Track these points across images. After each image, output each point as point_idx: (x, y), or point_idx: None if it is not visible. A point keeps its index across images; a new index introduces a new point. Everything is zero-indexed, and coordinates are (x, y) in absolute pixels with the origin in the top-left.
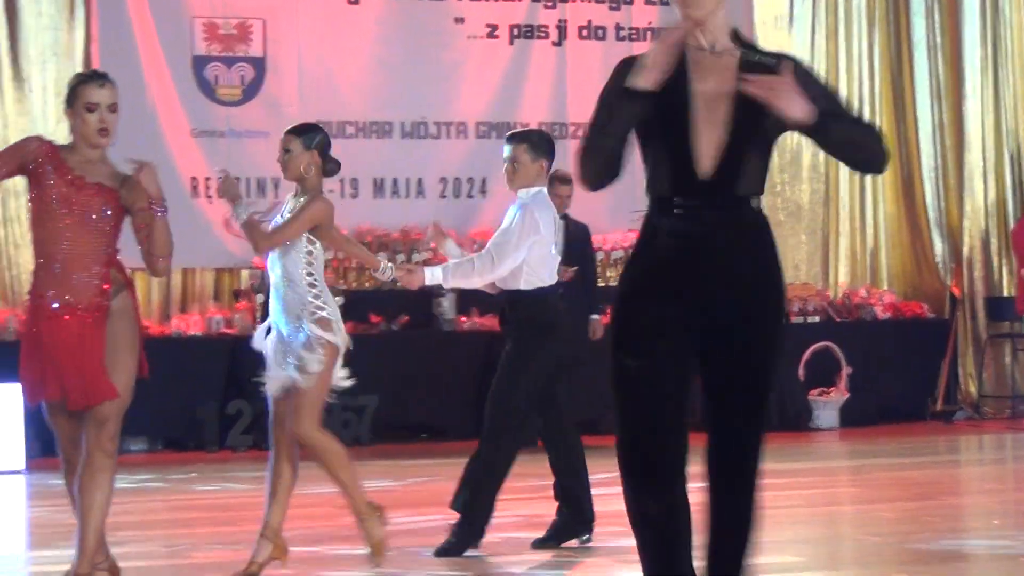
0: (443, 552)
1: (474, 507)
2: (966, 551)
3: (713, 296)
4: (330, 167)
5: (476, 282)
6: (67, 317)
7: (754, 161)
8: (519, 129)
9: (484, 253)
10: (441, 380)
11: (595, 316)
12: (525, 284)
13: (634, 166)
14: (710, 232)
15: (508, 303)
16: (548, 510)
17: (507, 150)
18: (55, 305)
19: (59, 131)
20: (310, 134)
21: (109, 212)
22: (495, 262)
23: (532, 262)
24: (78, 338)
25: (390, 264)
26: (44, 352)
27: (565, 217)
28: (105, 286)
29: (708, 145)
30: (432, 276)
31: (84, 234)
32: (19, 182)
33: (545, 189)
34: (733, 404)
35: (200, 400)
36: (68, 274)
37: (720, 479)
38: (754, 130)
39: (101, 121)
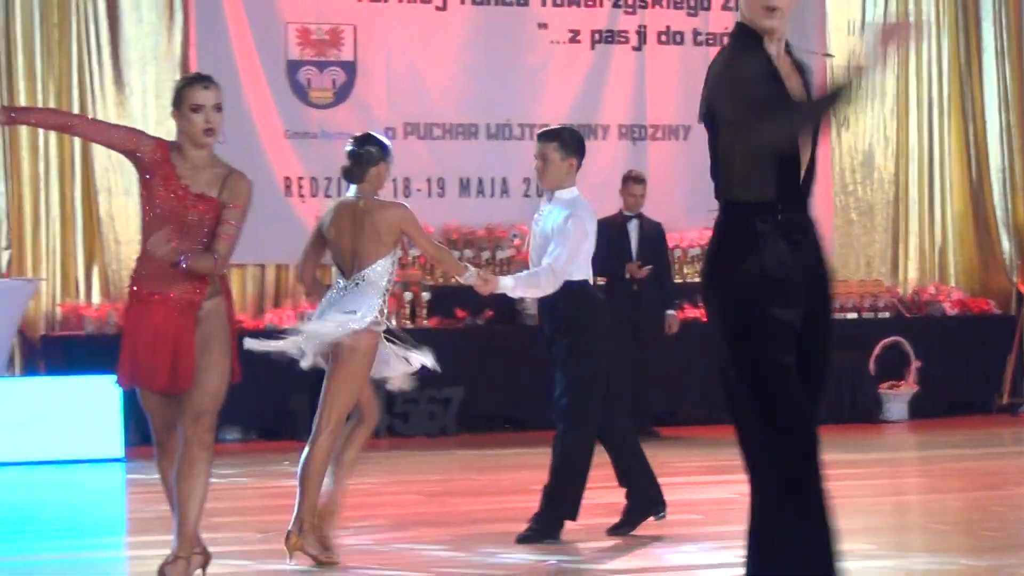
0: (525, 539)
1: (556, 496)
2: None
3: (810, 293)
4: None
5: (539, 293)
6: (157, 305)
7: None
8: (551, 127)
9: (548, 270)
10: (524, 373)
11: (671, 312)
12: (575, 276)
13: (704, 167)
14: (807, 234)
15: (560, 295)
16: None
17: (537, 147)
18: (148, 293)
19: (158, 132)
20: None
21: (208, 220)
22: (558, 277)
23: (580, 260)
24: (164, 323)
25: (475, 271)
26: (132, 334)
27: (639, 216)
28: (200, 285)
29: (804, 150)
30: (503, 285)
31: (185, 239)
32: (120, 183)
33: (576, 188)
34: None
35: (293, 391)
36: (166, 272)
37: None
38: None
39: (207, 121)
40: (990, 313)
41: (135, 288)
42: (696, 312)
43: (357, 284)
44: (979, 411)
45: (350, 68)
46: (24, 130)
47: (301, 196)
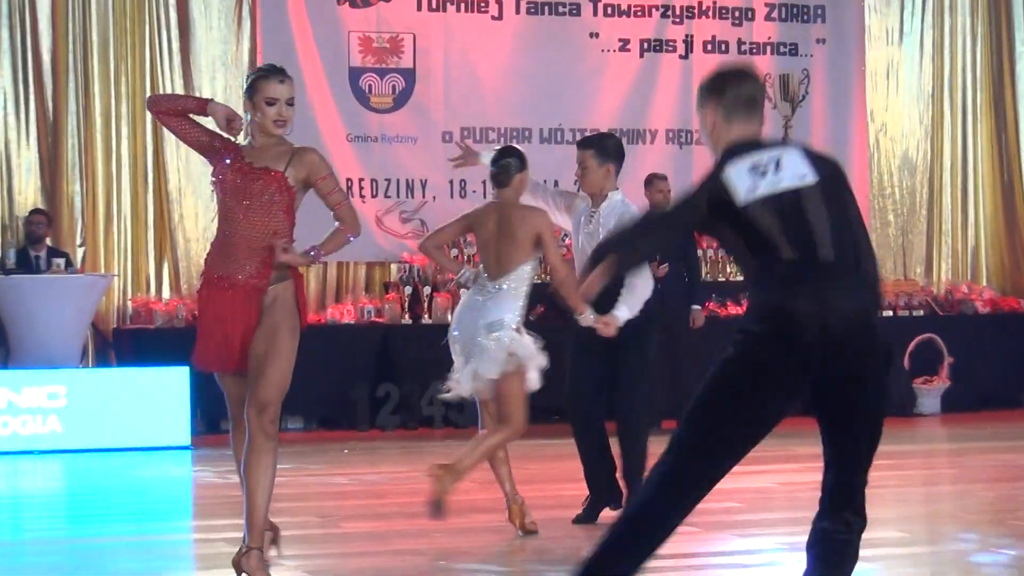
0: (581, 520)
1: (639, 475)
2: None
3: None
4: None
5: (643, 300)
6: (225, 289)
7: None
8: (590, 135)
9: (640, 274)
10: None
11: (696, 307)
12: None
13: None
14: None
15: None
16: None
17: (577, 155)
18: (217, 277)
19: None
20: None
21: (276, 197)
22: (647, 274)
23: None
24: (230, 311)
25: (592, 315)
26: (202, 318)
27: None
28: (264, 270)
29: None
30: (620, 319)
31: (254, 219)
32: (189, 183)
33: (619, 191)
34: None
35: (352, 383)
36: (234, 253)
37: None
38: None
39: (279, 114)
40: (1020, 312)
41: (206, 272)
42: (732, 310)
43: (500, 289)
44: (1009, 406)
45: (409, 75)
46: (98, 133)
47: (362, 197)
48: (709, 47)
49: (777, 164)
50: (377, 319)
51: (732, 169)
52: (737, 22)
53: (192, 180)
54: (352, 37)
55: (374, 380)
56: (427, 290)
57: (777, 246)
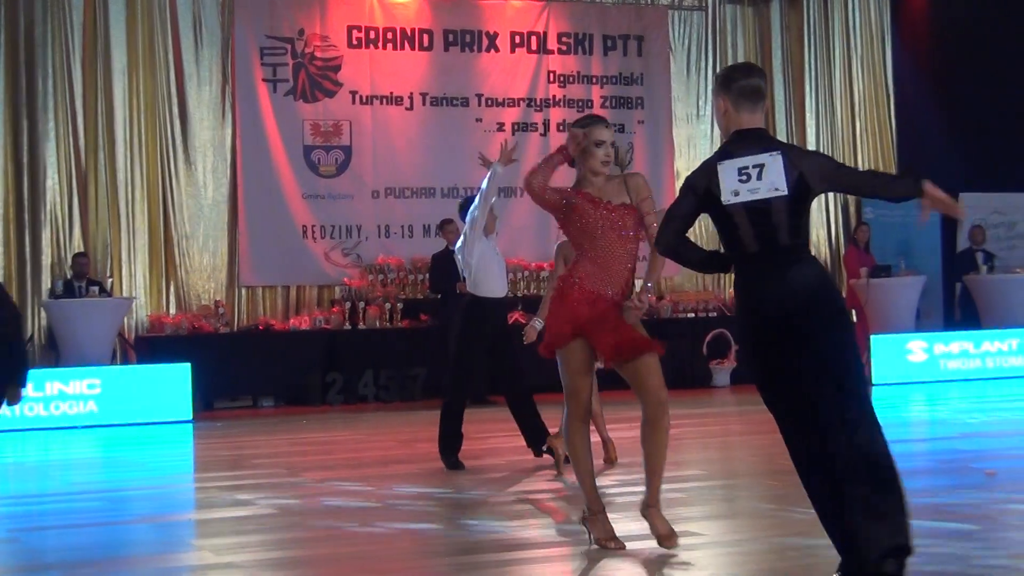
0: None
1: None
2: None
3: None
4: None
5: None
6: (601, 303)
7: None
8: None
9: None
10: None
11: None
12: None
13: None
14: None
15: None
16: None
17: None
18: (590, 291)
19: (216, 197)
20: None
21: (632, 227)
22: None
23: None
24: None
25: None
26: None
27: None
28: (625, 290)
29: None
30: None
31: (615, 247)
32: (188, 229)
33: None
34: None
35: (308, 372)
36: (607, 271)
37: None
38: None
39: (606, 154)
40: None
41: (581, 284)
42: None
43: None
44: None
45: (347, 150)
46: (121, 198)
47: (313, 238)
48: (560, 128)
49: (760, 172)
50: (326, 326)
51: (724, 166)
52: (580, 109)
53: (191, 228)
54: (305, 124)
55: (324, 370)
56: (362, 304)
57: (743, 242)
